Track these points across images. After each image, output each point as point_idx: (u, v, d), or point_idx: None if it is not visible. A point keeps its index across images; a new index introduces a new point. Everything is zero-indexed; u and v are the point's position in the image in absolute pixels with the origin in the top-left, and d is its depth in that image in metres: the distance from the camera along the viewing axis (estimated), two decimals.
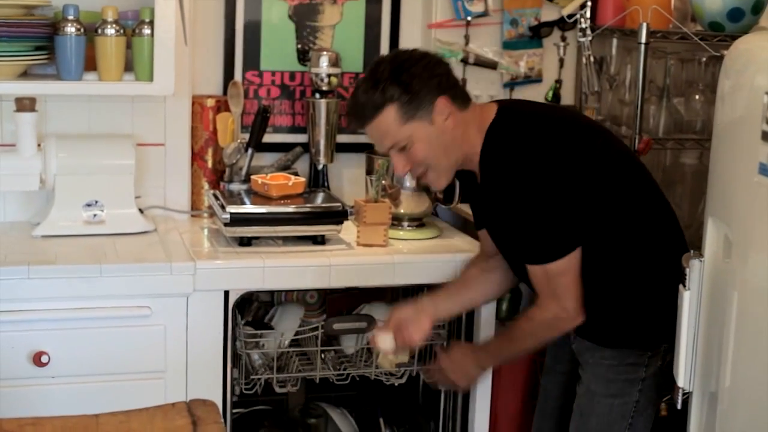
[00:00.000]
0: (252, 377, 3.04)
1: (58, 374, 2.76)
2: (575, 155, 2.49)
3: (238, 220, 2.97)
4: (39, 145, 3.09)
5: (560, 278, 2.48)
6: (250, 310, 3.24)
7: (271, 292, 3.30)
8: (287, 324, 3.12)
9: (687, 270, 2.20)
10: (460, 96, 2.57)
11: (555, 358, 2.85)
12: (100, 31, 3.03)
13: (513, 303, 3.18)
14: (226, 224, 2.96)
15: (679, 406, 2.25)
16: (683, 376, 2.22)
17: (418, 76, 2.49)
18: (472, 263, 2.89)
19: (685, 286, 2.21)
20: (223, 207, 2.99)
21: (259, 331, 3.07)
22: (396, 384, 3.16)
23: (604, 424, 2.58)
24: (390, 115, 2.50)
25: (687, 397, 2.25)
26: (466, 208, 3.17)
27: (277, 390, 3.08)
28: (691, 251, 2.24)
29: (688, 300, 2.21)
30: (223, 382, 2.89)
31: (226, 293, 2.86)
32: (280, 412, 3.48)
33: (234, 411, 3.06)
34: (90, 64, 3.06)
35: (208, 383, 2.85)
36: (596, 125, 2.86)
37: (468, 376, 2.83)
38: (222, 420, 2.14)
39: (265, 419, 3.36)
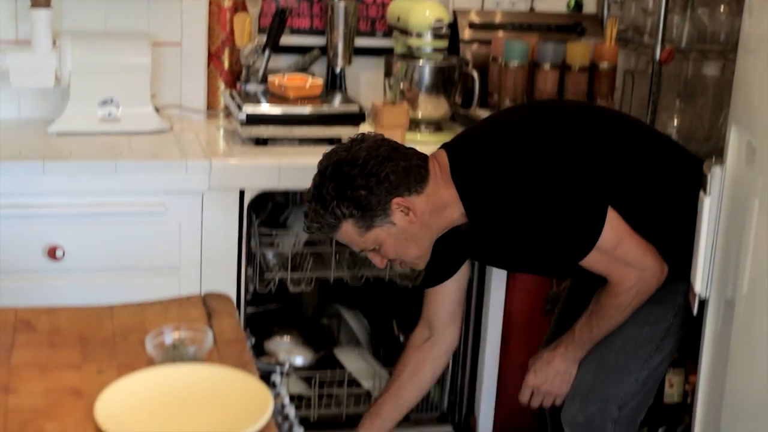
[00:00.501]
0: (266, 276, 3.05)
1: (72, 268, 2.77)
2: (546, 141, 2.43)
3: (254, 119, 2.95)
4: (54, 42, 3.06)
5: (619, 248, 2.38)
6: (265, 211, 3.23)
7: (287, 193, 3.29)
8: (302, 225, 3.10)
9: (708, 176, 2.18)
10: (414, 180, 2.38)
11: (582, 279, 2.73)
12: None
13: None
14: (242, 124, 2.94)
15: (695, 313, 2.25)
16: (700, 282, 2.21)
17: (364, 188, 2.32)
18: (401, 361, 2.74)
19: (705, 191, 2.19)
20: (239, 107, 2.98)
21: (273, 230, 3.07)
22: (410, 286, 3.16)
23: (629, 350, 2.54)
24: (348, 229, 2.38)
25: (703, 305, 2.25)
26: (484, 114, 3.14)
27: (291, 289, 3.09)
28: (713, 157, 2.21)
29: (708, 206, 2.18)
30: (237, 281, 2.90)
31: (242, 192, 2.86)
32: (293, 311, 3.49)
33: (247, 309, 3.07)
34: None
35: (222, 281, 2.85)
36: (546, 104, 2.84)
37: (568, 377, 2.60)
38: (237, 314, 2.14)
39: (278, 318, 3.37)
